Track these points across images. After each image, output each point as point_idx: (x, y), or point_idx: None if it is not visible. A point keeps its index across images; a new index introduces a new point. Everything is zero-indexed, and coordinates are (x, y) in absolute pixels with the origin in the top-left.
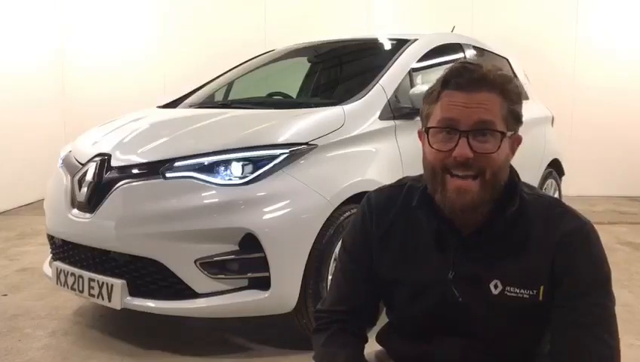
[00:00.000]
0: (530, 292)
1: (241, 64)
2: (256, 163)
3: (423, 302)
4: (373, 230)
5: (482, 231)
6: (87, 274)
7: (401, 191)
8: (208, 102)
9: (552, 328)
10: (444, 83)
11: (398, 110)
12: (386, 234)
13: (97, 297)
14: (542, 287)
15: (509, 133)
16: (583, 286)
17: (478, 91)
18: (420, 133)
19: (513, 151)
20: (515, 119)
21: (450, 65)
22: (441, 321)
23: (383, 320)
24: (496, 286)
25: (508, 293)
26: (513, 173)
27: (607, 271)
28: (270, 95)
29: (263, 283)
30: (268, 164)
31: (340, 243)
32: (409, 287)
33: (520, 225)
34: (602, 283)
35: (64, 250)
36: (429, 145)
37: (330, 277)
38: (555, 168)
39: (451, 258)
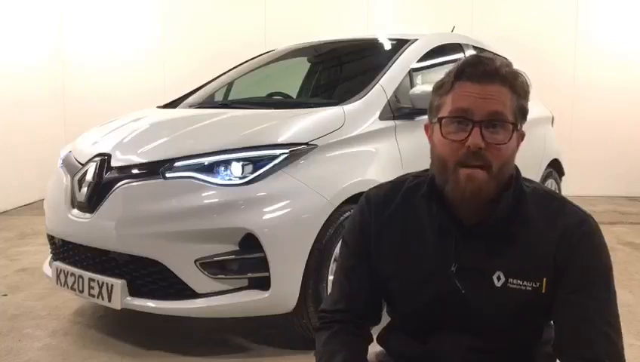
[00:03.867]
0: (534, 285)
1: (241, 64)
2: (256, 163)
3: (425, 295)
4: (372, 224)
5: (483, 223)
6: (87, 274)
7: (401, 186)
8: (208, 102)
9: (555, 322)
10: (458, 74)
11: (398, 110)
12: (385, 227)
13: (97, 297)
14: (545, 279)
15: (518, 126)
16: (585, 280)
17: (490, 83)
18: (426, 127)
19: (518, 145)
20: (522, 114)
21: (463, 59)
22: (443, 315)
23: (384, 320)
24: (499, 278)
25: (511, 285)
26: (515, 169)
27: (609, 265)
28: (270, 95)
29: (263, 283)
30: (268, 164)
31: (340, 242)
32: (410, 281)
33: (521, 218)
34: (604, 276)
35: (64, 250)
36: (442, 135)
37: (330, 277)
38: (555, 168)
39: (453, 250)
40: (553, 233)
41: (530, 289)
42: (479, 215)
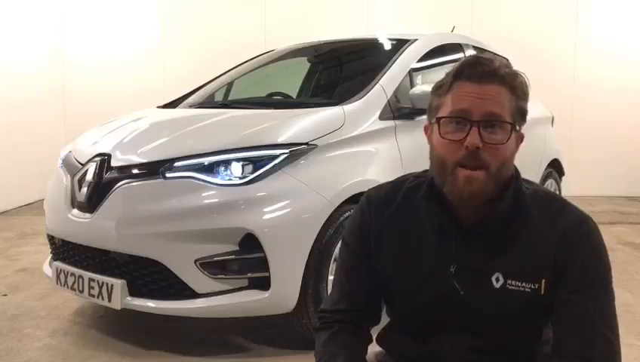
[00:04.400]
0: (532, 286)
1: (241, 64)
2: (256, 163)
3: (425, 295)
4: (373, 224)
5: (483, 223)
6: (87, 274)
7: (402, 186)
8: (208, 102)
9: (554, 322)
10: (457, 74)
11: (398, 110)
12: (385, 227)
13: (97, 297)
14: (543, 281)
15: (517, 127)
16: (585, 280)
17: (489, 84)
18: (426, 128)
19: (517, 147)
20: (521, 115)
21: (462, 59)
22: (443, 315)
23: (383, 320)
24: (497, 280)
25: (510, 286)
26: (514, 170)
27: (608, 266)
28: (270, 95)
29: (263, 283)
30: (268, 164)
31: (340, 242)
32: (410, 281)
33: (520, 219)
34: (604, 277)
35: (64, 250)
36: (440, 135)
37: (330, 278)
38: (555, 168)
39: (453, 251)
40: (554, 233)
41: (529, 290)
42: (479, 215)
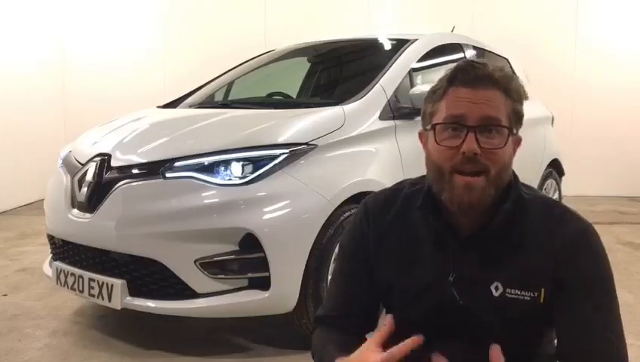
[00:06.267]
0: (532, 295)
1: (241, 64)
2: (256, 163)
3: (423, 305)
4: (371, 232)
5: (481, 232)
6: (87, 274)
7: (399, 193)
8: (208, 102)
9: (558, 330)
10: (451, 80)
11: (398, 110)
12: (383, 235)
13: (97, 297)
14: (543, 289)
15: (513, 130)
16: (587, 288)
17: (484, 88)
18: (421, 135)
19: (515, 151)
20: (517, 118)
21: (455, 64)
22: (442, 324)
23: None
24: (496, 289)
25: (509, 295)
26: (512, 175)
27: (609, 272)
28: (270, 95)
29: (263, 283)
30: (268, 164)
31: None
32: (409, 290)
33: (519, 226)
34: (605, 283)
35: (64, 250)
36: (436, 142)
37: (330, 278)
38: (555, 168)
39: (451, 260)
40: (553, 242)
41: (528, 299)
42: (477, 223)
